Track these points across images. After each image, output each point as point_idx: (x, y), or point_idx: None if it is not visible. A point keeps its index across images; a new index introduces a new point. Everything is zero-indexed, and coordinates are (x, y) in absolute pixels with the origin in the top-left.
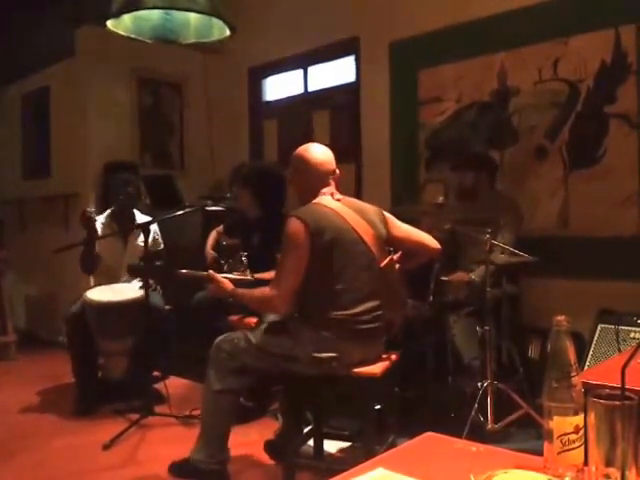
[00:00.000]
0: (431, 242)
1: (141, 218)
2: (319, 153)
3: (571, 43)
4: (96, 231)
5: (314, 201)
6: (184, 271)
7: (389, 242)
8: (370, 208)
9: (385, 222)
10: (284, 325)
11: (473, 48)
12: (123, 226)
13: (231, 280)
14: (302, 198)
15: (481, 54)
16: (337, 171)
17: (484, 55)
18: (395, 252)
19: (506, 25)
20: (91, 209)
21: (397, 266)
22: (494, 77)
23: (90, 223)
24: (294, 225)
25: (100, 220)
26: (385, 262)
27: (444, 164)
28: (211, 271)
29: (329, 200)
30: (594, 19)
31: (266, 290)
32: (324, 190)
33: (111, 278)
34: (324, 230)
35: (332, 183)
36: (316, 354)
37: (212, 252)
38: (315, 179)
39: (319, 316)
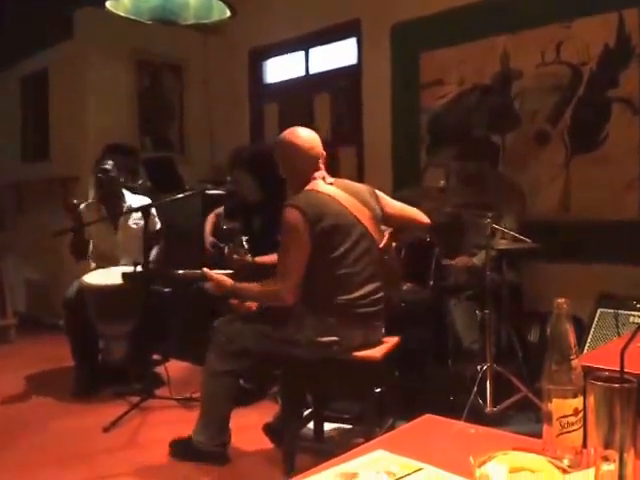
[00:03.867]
0: (421, 216)
1: (131, 198)
2: (306, 137)
3: (574, 26)
4: (81, 219)
5: (308, 187)
6: (180, 272)
7: (383, 219)
8: (362, 188)
9: (377, 200)
10: (285, 310)
11: (475, 31)
12: (112, 209)
13: (228, 275)
14: (293, 185)
15: (483, 37)
16: (324, 153)
17: (486, 38)
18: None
19: (509, 8)
20: (76, 201)
21: (393, 244)
22: (496, 60)
23: (75, 211)
24: (292, 215)
25: (84, 205)
26: (384, 242)
27: (446, 148)
28: (205, 269)
29: (323, 185)
30: (598, 2)
31: (270, 283)
32: (315, 174)
33: (108, 262)
34: (322, 217)
35: (322, 167)
36: (317, 338)
37: (211, 237)
38: (305, 164)
39: (322, 302)
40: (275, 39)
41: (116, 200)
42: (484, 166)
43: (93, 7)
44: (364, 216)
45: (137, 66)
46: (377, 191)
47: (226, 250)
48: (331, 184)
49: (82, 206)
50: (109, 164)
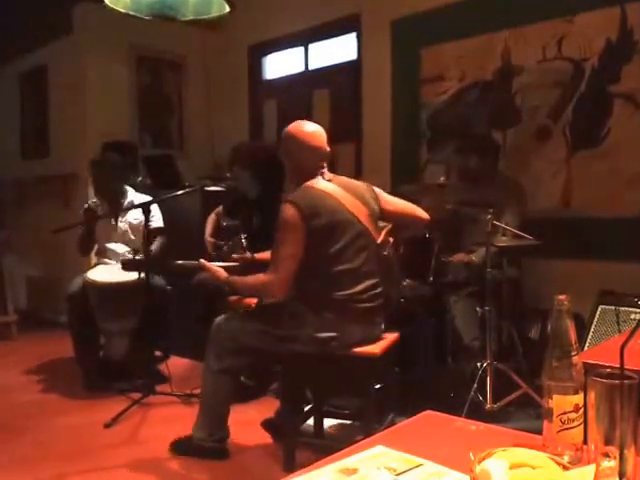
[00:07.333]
0: (421, 212)
1: (135, 196)
2: (313, 132)
3: (576, 21)
4: (97, 220)
5: (307, 184)
6: (178, 262)
7: (381, 216)
8: (361, 185)
9: (376, 198)
10: (284, 307)
11: (476, 26)
12: (114, 206)
13: (226, 268)
14: (294, 178)
15: (484, 32)
16: (329, 151)
17: (487, 33)
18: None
19: (510, 2)
20: (93, 202)
21: (391, 240)
22: (497, 56)
23: (93, 216)
24: (288, 211)
25: (93, 203)
26: (382, 238)
27: (446, 144)
28: (202, 260)
29: (321, 182)
30: None
31: (261, 276)
32: (317, 171)
33: (108, 257)
34: (319, 213)
35: (325, 164)
36: (316, 334)
37: (211, 239)
38: (309, 160)
39: (321, 298)
40: (274, 35)
41: (116, 196)
42: (486, 161)
43: (92, 3)
44: (361, 213)
45: (136, 62)
46: (375, 188)
47: (225, 249)
48: (329, 181)
49: (92, 203)
50: (117, 162)
